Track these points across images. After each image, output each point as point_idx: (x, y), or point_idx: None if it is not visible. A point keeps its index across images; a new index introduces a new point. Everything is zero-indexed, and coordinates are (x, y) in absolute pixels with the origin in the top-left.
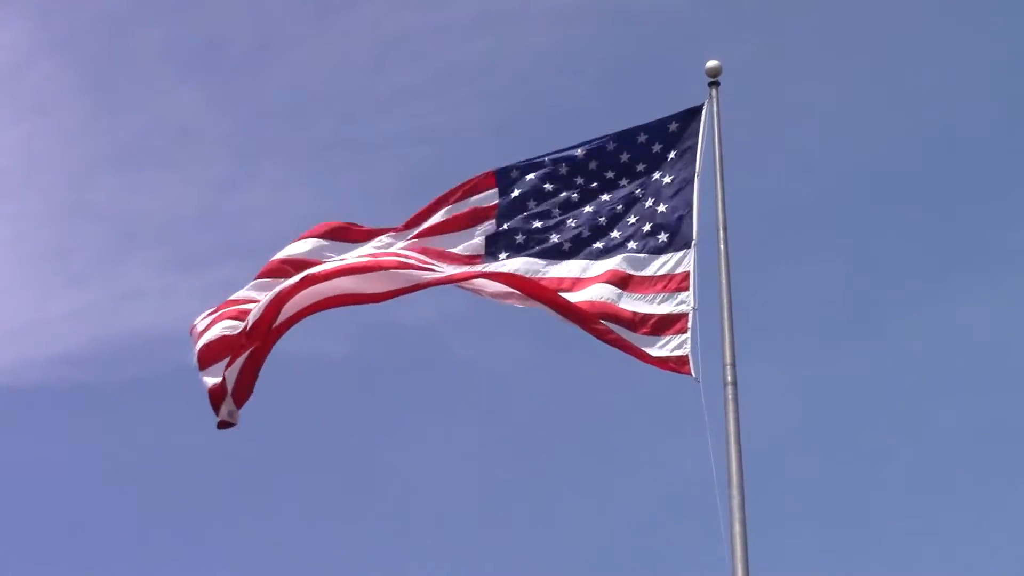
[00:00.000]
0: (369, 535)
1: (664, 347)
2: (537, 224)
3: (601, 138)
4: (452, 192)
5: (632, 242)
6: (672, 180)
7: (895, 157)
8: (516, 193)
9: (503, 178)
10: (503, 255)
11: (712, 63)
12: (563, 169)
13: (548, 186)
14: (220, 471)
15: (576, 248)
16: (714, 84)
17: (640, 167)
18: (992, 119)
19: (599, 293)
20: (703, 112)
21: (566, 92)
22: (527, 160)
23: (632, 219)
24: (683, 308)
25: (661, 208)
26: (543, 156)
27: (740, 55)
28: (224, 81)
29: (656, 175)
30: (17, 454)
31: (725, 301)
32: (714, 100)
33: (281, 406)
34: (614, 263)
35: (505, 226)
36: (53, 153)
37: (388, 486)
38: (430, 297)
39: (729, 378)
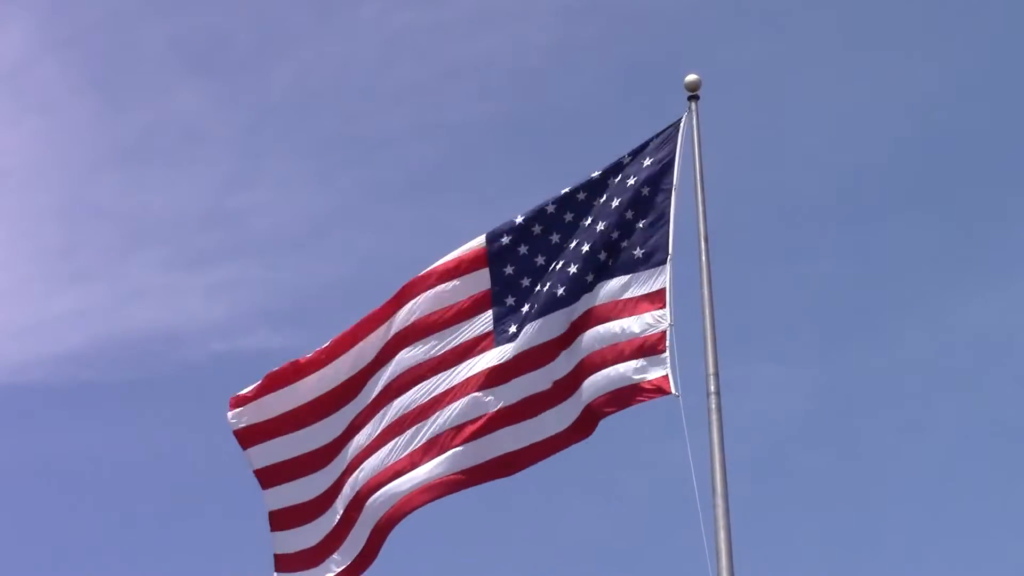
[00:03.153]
0: None
1: (644, 370)
2: (527, 282)
3: (590, 178)
4: (438, 270)
5: (611, 261)
6: (650, 193)
7: (900, 155)
8: (509, 270)
9: (493, 250)
10: (513, 328)
11: (691, 77)
12: (552, 216)
13: (538, 239)
14: (223, 470)
15: (572, 291)
16: (693, 98)
17: (622, 181)
18: (997, 117)
19: (582, 346)
20: (681, 126)
21: (570, 90)
22: (513, 224)
23: (613, 235)
24: (660, 327)
25: (641, 225)
26: (531, 215)
27: (743, 52)
28: (229, 79)
29: (635, 187)
30: (20, 452)
31: (707, 312)
32: (693, 114)
33: None
34: (597, 295)
35: (510, 300)
36: (57, 151)
37: None
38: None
39: (712, 388)
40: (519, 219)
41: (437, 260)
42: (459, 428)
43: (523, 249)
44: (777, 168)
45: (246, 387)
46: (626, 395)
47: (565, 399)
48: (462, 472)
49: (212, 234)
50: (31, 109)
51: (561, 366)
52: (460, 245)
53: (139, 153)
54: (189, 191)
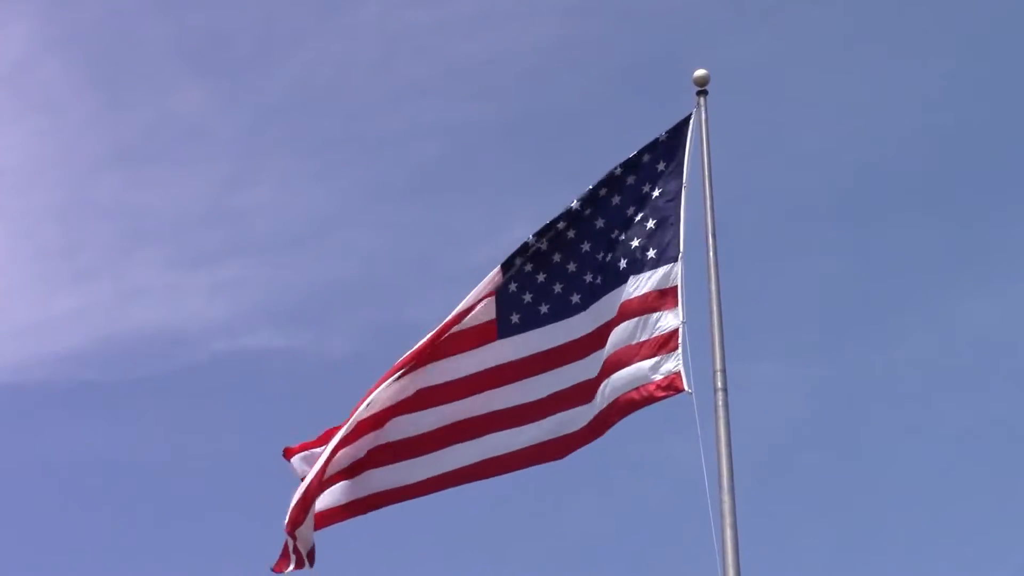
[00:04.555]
0: (371, 533)
1: (657, 369)
2: (542, 277)
3: (605, 177)
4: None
5: (622, 262)
6: (661, 193)
7: (903, 154)
8: (514, 286)
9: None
10: (515, 317)
11: (700, 72)
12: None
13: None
14: (224, 470)
15: (586, 298)
16: (702, 93)
17: (635, 184)
18: (998, 116)
19: (600, 353)
20: (691, 122)
21: (572, 88)
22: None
23: (624, 239)
24: (673, 324)
25: (650, 224)
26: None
27: (747, 50)
28: (230, 78)
29: (646, 188)
30: (22, 452)
31: (715, 308)
32: (702, 109)
33: (286, 404)
34: (613, 300)
35: (513, 286)
36: (58, 150)
37: None
38: (434, 293)
39: (719, 384)
40: (530, 237)
41: (439, 262)
42: (470, 422)
43: (529, 267)
44: (779, 167)
45: (247, 387)
46: (642, 395)
47: (585, 402)
48: (471, 466)
49: (214, 233)
50: (32, 108)
51: (582, 370)
52: (461, 244)
53: (141, 152)
54: (191, 190)
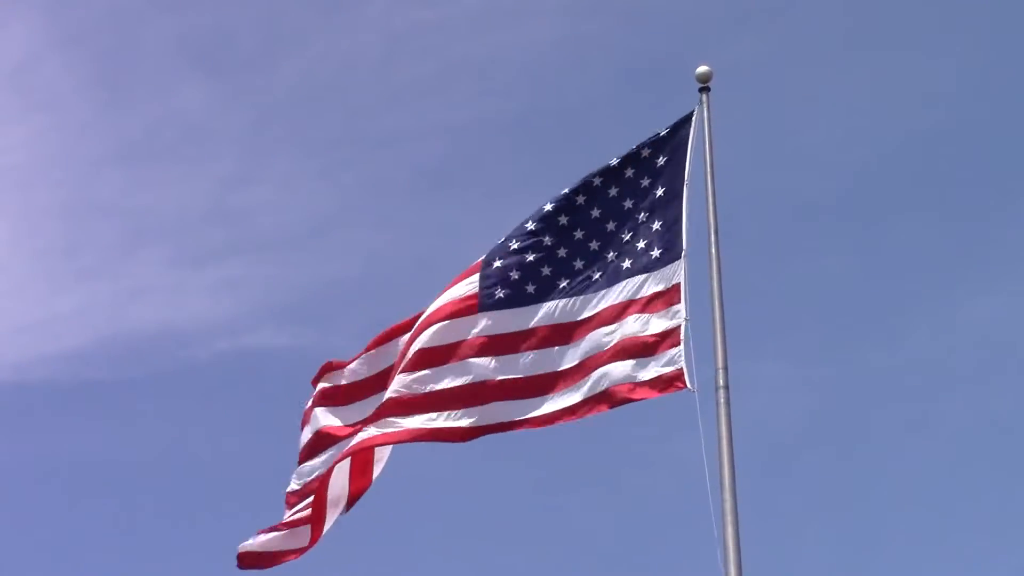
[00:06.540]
0: (372, 532)
1: (658, 365)
2: (531, 257)
3: (603, 168)
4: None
5: (626, 261)
6: (664, 191)
7: (905, 152)
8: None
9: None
10: (499, 292)
11: (702, 68)
12: (559, 209)
13: (538, 225)
14: (226, 469)
15: (575, 284)
16: (705, 90)
17: (635, 178)
18: (1001, 114)
19: (595, 341)
20: (692, 118)
21: (575, 87)
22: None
23: (626, 236)
24: (676, 321)
25: (655, 224)
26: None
27: (749, 49)
28: (233, 76)
29: (647, 184)
30: (24, 451)
31: (717, 306)
32: (704, 106)
33: (288, 404)
34: (612, 295)
35: (497, 263)
36: (61, 149)
37: (392, 482)
38: (436, 292)
39: (721, 382)
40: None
41: (442, 261)
42: (457, 389)
43: (515, 245)
44: (782, 166)
45: (250, 386)
46: (642, 390)
47: (569, 387)
48: (454, 430)
49: (216, 232)
50: (35, 107)
51: (571, 354)
52: (464, 243)
53: (143, 151)
54: (193, 189)
